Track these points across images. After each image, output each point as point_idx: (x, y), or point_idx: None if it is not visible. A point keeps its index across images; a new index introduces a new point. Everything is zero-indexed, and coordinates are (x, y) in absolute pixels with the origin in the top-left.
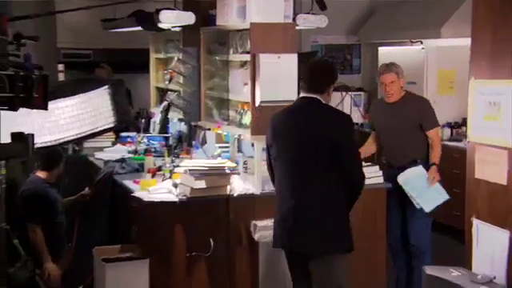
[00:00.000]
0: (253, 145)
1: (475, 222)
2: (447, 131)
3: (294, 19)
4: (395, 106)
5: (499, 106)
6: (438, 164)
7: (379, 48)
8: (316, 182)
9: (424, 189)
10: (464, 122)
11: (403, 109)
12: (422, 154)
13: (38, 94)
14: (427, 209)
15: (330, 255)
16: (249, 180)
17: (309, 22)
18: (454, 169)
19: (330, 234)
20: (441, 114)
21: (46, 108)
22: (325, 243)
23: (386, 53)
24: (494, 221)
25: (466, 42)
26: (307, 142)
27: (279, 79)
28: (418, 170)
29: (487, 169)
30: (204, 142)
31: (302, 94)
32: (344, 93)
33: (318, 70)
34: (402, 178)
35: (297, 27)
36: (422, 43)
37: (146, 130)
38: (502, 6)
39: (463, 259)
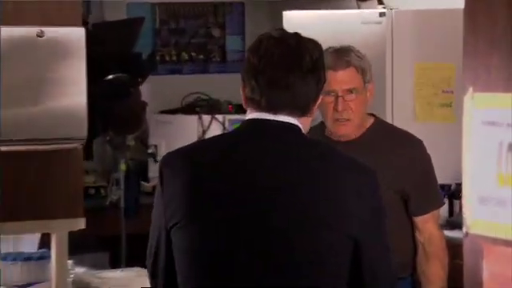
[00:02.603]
0: None
1: None
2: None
3: None
4: (352, 149)
5: None
6: None
7: (284, 13)
8: None
9: None
10: None
11: (369, 162)
12: (406, 260)
13: None
14: None
15: None
16: None
17: None
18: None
19: None
20: None
21: None
22: None
23: (300, 23)
24: None
25: None
26: (285, 223)
27: (46, 84)
28: None
29: None
30: None
31: (255, 115)
32: (208, 116)
33: (298, 61)
34: None
35: None
36: (381, 3)
37: None
38: None
39: None
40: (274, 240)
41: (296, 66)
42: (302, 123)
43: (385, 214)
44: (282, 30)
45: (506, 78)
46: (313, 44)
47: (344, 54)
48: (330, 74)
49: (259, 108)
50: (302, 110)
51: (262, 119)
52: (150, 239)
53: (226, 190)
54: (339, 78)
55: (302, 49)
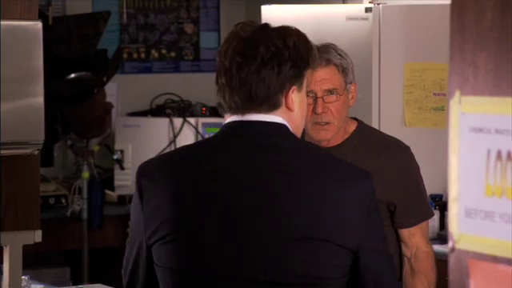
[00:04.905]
0: None
1: None
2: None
3: None
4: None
5: None
6: None
7: (263, 7)
8: None
9: None
10: None
11: None
12: None
13: None
14: None
15: None
16: None
17: None
18: None
19: None
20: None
21: None
22: None
23: (280, 18)
24: None
25: None
26: (280, 239)
27: None
28: None
29: None
30: None
31: (230, 118)
32: (179, 119)
33: (251, 54)
34: None
35: None
36: None
37: None
38: None
39: None
40: (252, 259)
41: (248, 60)
42: (285, 117)
43: (382, 220)
44: (248, 23)
45: (493, 80)
46: (277, 33)
47: (324, 52)
48: (308, 73)
49: (230, 110)
50: (267, 104)
51: (234, 122)
52: (125, 256)
53: (205, 207)
54: (318, 78)
55: (257, 40)
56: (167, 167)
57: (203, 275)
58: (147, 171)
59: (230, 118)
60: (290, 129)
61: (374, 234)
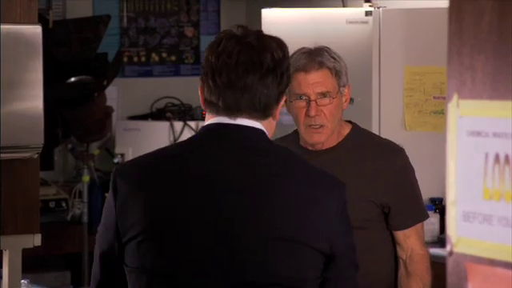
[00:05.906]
0: None
1: None
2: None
3: None
4: (329, 159)
5: None
6: None
7: (263, 11)
8: None
9: None
10: None
11: (347, 171)
12: (387, 281)
13: None
14: None
15: None
16: None
17: None
18: None
19: None
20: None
21: None
22: None
23: (280, 22)
24: None
25: None
26: (251, 241)
27: None
28: None
29: None
30: None
31: (214, 120)
32: (180, 122)
33: (258, 60)
34: None
35: None
36: (368, 0)
37: None
38: None
39: None
40: (242, 261)
41: (255, 66)
42: (266, 126)
43: (351, 230)
44: (244, 26)
45: (491, 83)
46: (276, 43)
47: (317, 55)
48: (301, 77)
49: (217, 112)
50: (262, 113)
51: (220, 124)
52: (94, 257)
53: (188, 207)
54: (311, 81)
55: (264, 47)
56: (144, 170)
57: (191, 277)
58: (124, 173)
59: (214, 119)
60: (268, 135)
61: (346, 240)
